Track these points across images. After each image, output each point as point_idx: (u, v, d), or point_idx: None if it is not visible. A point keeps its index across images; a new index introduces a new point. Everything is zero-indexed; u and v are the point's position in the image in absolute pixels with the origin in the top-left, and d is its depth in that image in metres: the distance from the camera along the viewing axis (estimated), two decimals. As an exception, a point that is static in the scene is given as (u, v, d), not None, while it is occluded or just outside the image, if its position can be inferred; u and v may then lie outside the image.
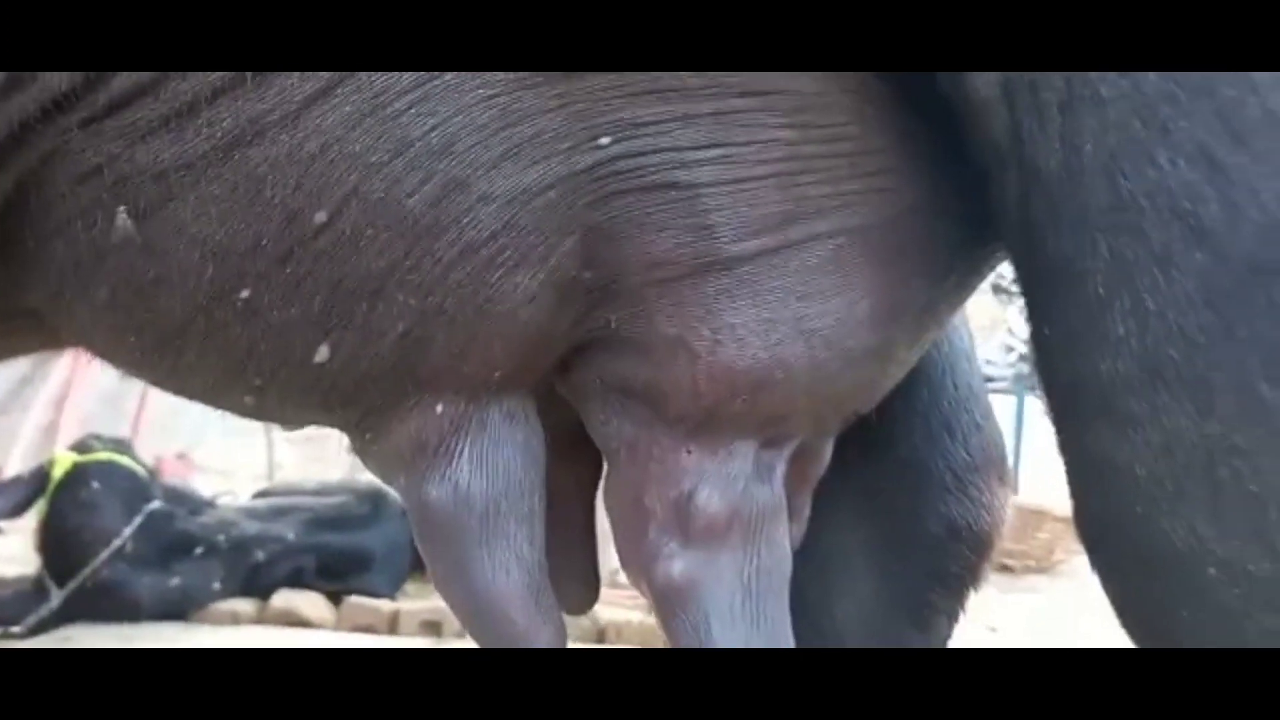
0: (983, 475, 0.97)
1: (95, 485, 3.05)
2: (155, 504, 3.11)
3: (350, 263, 0.62)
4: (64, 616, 2.95)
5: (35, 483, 3.06)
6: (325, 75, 0.58)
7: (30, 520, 3.10)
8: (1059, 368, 0.61)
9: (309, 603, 3.09)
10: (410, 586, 3.38)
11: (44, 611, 2.92)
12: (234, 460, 5.49)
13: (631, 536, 0.74)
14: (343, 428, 0.73)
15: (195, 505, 3.34)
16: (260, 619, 3.05)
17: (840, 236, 0.67)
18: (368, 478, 4.25)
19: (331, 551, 3.24)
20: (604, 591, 1.82)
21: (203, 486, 3.97)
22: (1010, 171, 0.59)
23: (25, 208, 0.62)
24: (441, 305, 0.64)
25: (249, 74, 0.57)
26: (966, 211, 0.67)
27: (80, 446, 3.24)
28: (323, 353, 0.65)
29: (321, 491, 3.73)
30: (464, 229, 0.62)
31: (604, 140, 0.63)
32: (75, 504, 3.02)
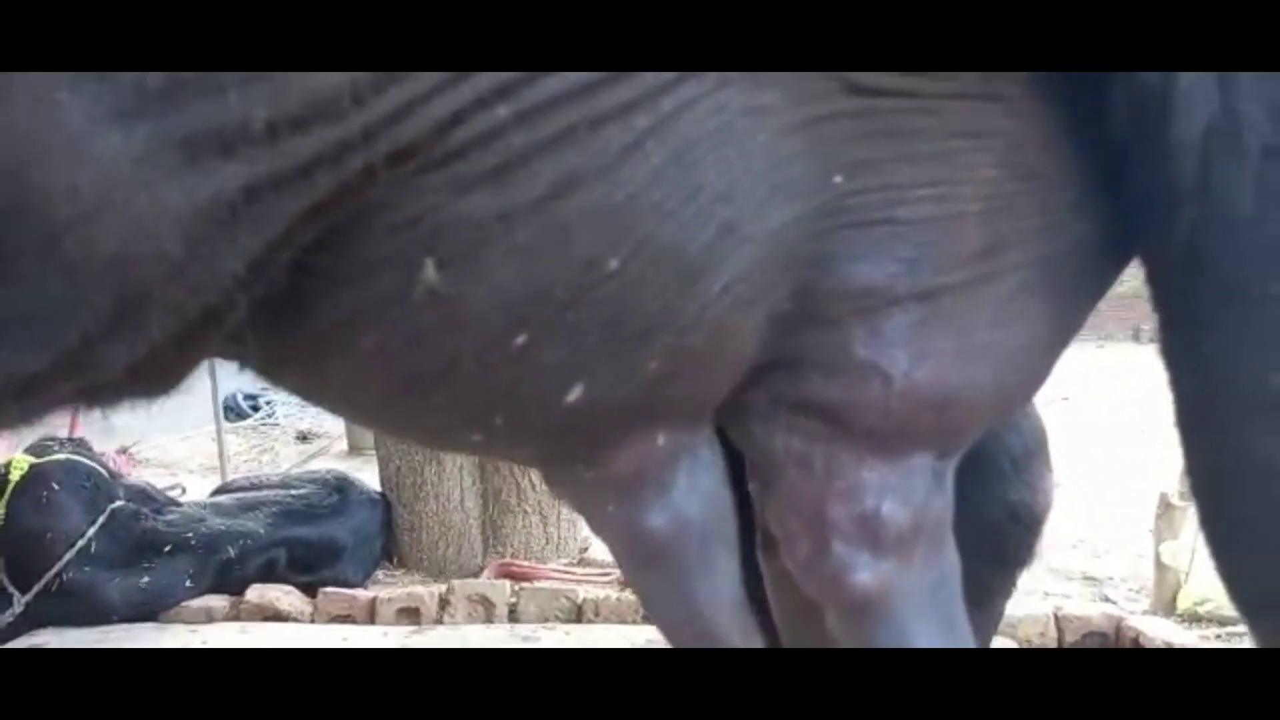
0: (1034, 460, 1.07)
1: (55, 486, 2.98)
2: (119, 503, 3.06)
3: (628, 307, 0.65)
4: (30, 622, 2.87)
5: (-9, 487, 2.93)
6: (639, 127, 0.60)
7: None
8: (1216, 378, 0.66)
9: (284, 595, 3.08)
10: (380, 574, 3.40)
11: (8, 617, 2.84)
12: (176, 453, 5.11)
13: (814, 549, 0.78)
14: (554, 460, 0.76)
15: (159, 504, 3.27)
16: (235, 615, 3.03)
17: (1027, 268, 0.72)
18: (331, 470, 3.68)
19: (302, 543, 3.24)
20: (576, 570, 4.27)
21: (149, 482, 3.56)
22: (1188, 205, 0.64)
23: (322, 257, 0.61)
24: (693, 343, 0.67)
25: (581, 128, 0.59)
26: (1114, 239, 0.73)
27: (37, 449, 3.12)
28: (576, 392, 0.67)
29: (285, 484, 3.56)
30: (726, 270, 0.65)
31: (838, 179, 0.67)
32: (35, 506, 2.94)
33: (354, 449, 5.53)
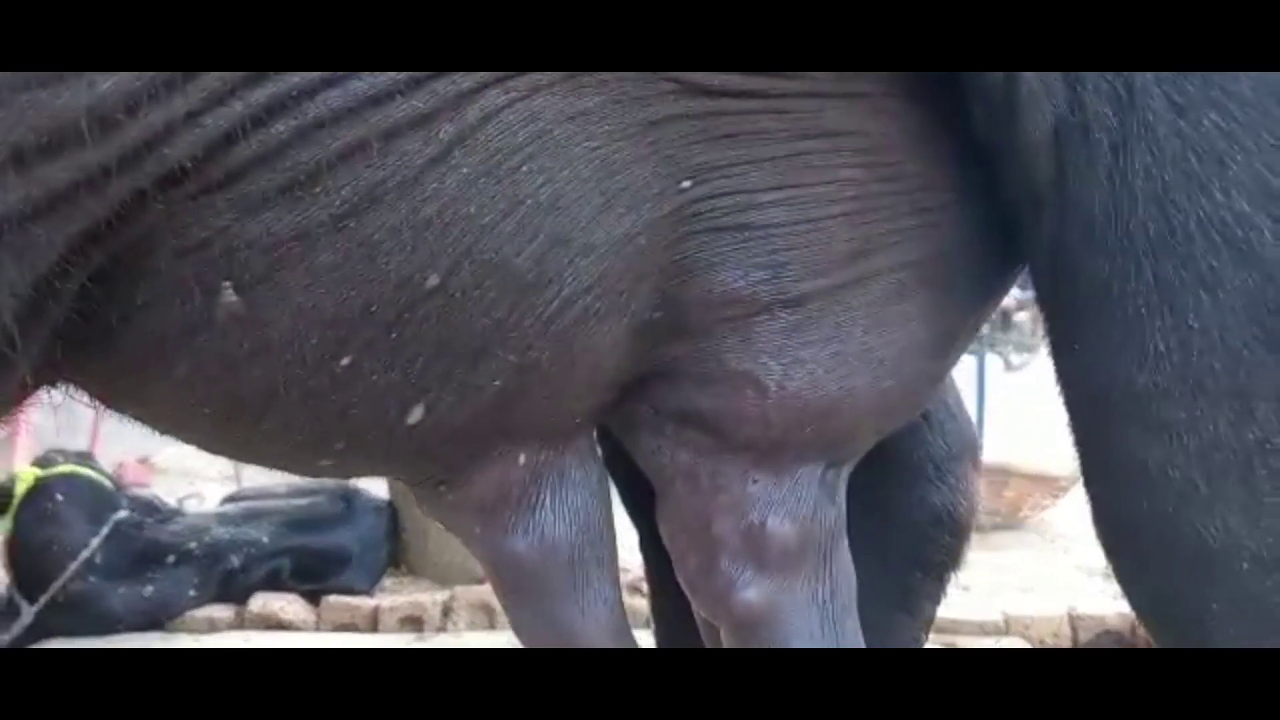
0: (960, 463, 1.03)
1: (59, 498, 3.01)
2: (122, 513, 3.08)
3: (457, 324, 0.62)
4: (38, 633, 2.89)
5: (-3, 500, 2.98)
6: (443, 139, 0.58)
7: (-6, 539, 3.03)
8: (1089, 380, 0.64)
9: (287, 604, 3.09)
10: (387, 581, 3.39)
11: (17, 630, 2.87)
12: (196, 463, 4.83)
13: (702, 565, 0.76)
14: (416, 483, 0.74)
15: (164, 514, 3.29)
16: (239, 624, 3.04)
17: (902, 270, 0.70)
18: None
19: (307, 552, 3.24)
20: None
21: (165, 490, 3.71)
22: (1048, 205, 0.63)
23: (113, 284, 0.59)
24: (538, 360, 0.64)
25: (372, 140, 0.57)
26: (997, 242, 0.71)
27: (42, 461, 3.16)
28: (416, 414, 0.65)
29: (292, 493, 3.54)
30: (565, 283, 0.63)
31: (686, 184, 0.65)
32: (40, 518, 2.97)
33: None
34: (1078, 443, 0.68)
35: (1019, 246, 0.69)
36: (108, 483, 3.18)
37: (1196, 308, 0.56)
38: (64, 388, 0.69)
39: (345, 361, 0.62)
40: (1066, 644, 2.91)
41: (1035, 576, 3.28)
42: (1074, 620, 2.92)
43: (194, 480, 4.62)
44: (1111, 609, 2.92)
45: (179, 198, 0.57)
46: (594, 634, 0.74)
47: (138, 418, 0.71)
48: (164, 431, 0.71)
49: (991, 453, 4.23)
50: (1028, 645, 2.86)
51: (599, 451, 0.77)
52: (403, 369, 0.63)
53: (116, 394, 0.67)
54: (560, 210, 0.62)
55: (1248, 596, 0.58)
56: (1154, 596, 0.66)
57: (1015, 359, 6.57)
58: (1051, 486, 3.79)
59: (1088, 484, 0.67)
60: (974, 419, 4.18)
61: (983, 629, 2.92)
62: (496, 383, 0.65)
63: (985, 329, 5.66)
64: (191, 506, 3.59)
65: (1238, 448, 0.56)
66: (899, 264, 0.70)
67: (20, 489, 3.01)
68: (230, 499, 3.72)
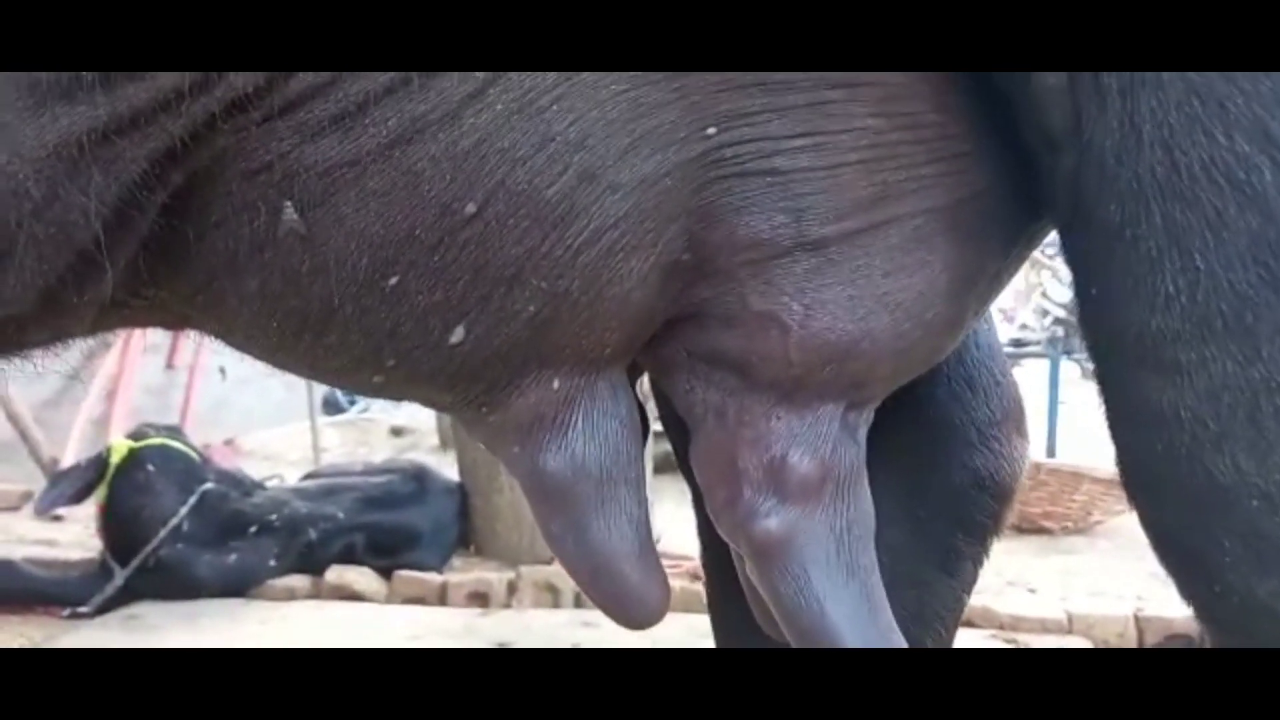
0: (1003, 429, 1.04)
1: (151, 469, 3.16)
2: (208, 485, 3.22)
3: (493, 250, 0.67)
4: (128, 595, 3.06)
5: (94, 469, 3.17)
6: (480, 76, 0.63)
7: (90, 507, 3.21)
8: (1105, 325, 0.66)
9: (361, 577, 3.21)
10: (456, 561, 3.48)
11: (109, 590, 3.03)
12: (279, 446, 5.31)
13: (727, 496, 0.80)
14: (458, 404, 0.77)
15: (247, 487, 3.43)
16: (315, 594, 3.17)
17: (920, 217, 0.72)
18: (410, 459, 3.95)
19: (380, 529, 3.35)
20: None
21: (250, 471, 3.83)
22: (1065, 151, 0.64)
23: (190, 202, 0.65)
24: (569, 288, 0.69)
25: (414, 75, 0.62)
26: (1021, 191, 0.73)
27: (135, 434, 3.33)
28: (458, 334, 0.70)
29: (368, 472, 3.70)
30: (592, 217, 0.67)
31: (711, 130, 0.68)
32: (133, 487, 3.12)
33: (445, 443, 5.65)
34: (1101, 388, 0.69)
35: (1039, 196, 0.71)
36: (195, 455, 3.34)
37: (1203, 250, 0.57)
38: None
39: (393, 281, 0.68)
40: (1131, 644, 2.86)
41: (1105, 581, 3.21)
42: (1140, 622, 2.86)
43: (276, 463, 4.85)
44: (1180, 612, 2.84)
45: (244, 123, 0.63)
46: (615, 544, 0.77)
47: (216, 334, 0.77)
48: (239, 346, 0.76)
49: (1064, 456, 4.24)
50: (1090, 645, 2.81)
51: (630, 386, 0.81)
52: (444, 290, 0.68)
53: (197, 309, 0.73)
54: (588, 148, 0.66)
55: (1256, 534, 0.59)
56: (1169, 536, 0.66)
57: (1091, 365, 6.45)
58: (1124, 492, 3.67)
59: (1111, 429, 0.68)
60: (1046, 423, 4.09)
61: (1044, 626, 2.89)
62: (530, 308, 0.70)
63: (1062, 334, 5.72)
64: (275, 485, 3.72)
65: (1245, 387, 0.57)
66: (918, 210, 0.73)
67: (115, 459, 3.18)
68: (309, 476, 3.86)
